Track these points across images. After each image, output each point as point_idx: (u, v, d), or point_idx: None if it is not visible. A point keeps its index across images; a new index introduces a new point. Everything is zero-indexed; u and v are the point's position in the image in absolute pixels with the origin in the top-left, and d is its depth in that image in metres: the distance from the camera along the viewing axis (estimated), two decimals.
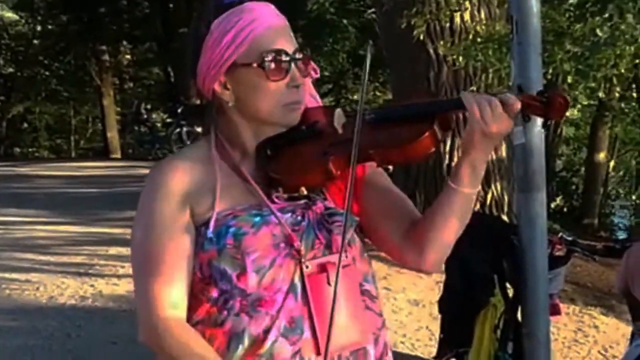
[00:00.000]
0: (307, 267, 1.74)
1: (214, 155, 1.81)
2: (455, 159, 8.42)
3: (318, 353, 1.71)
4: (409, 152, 1.75)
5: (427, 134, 1.72)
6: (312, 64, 1.84)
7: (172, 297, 1.73)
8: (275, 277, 1.72)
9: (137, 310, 1.78)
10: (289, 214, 1.76)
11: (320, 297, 1.73)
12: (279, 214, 1.75)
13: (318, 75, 1.86)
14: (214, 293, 1.74)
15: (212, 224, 1.73)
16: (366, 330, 1.80)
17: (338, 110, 1.80)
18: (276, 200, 1.77)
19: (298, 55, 1.79)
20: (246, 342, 1.70)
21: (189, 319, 1.76)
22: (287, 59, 1.77)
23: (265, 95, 1.76)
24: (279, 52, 1.76)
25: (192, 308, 1.76)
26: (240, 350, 1.71)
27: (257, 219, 1.73)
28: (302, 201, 1.79)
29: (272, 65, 1.75)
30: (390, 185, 1.94)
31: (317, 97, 1.92)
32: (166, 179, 1.78)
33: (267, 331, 1.70)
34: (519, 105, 1.71)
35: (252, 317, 1.71)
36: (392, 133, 1.76)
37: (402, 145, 1.74)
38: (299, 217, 1.76)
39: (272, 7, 1.81)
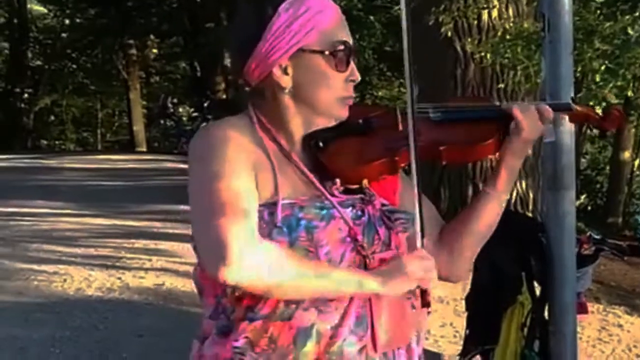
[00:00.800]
0: (370, 261, 1.74)
1: (262, 136, 1.78)
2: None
3: (375, 350, 1.73)
4: (477, 152, 1.83)
5: (497, 136, 1.80)
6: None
7: (247, 224, 1.63)
8: None
9: (210, 253, 1.63)
10: (349, 208, 1.75)
11: (379, 294, 1.73)
12: (341, 208, 1.73)
13: (359, 79, 1.86)
14: None
15: (279, 212, 1.68)
16: (411, 329, 1.81)
17: (398, 108, 1.83)
18: (335, 192, 1.76)
19: (355, 49, 1.82)
20: (314, 336, 1.68)
21: (249, 314, 1.70)
22: (351, 50, 1.78)
23: (327, 84, 1.77)
24: (345, 43, 1.77)
25: (252, 301, 1.69)
26: (309, 345, 1.68)
27: (324, 212, 1.71)
28: (358, 195, 1.78)
29: (341, 55, 1.76)
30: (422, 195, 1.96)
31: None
32: (225, 137, 1.72)
33: (337, 327, 1.69)
34: (551, 114, 1.84)
35: (321, 311, 1.68)
36: (461, 132, 1.81)
37: (472, 145, 1.81)
38: (359, 212, 1.76)
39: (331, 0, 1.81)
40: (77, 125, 27.98)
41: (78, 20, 25.91)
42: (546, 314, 3.43)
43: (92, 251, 8.28)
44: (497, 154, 1.86)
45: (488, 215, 1.90)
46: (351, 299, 1.71)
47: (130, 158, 18.08)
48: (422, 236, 1.74)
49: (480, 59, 7.63)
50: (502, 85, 8.34)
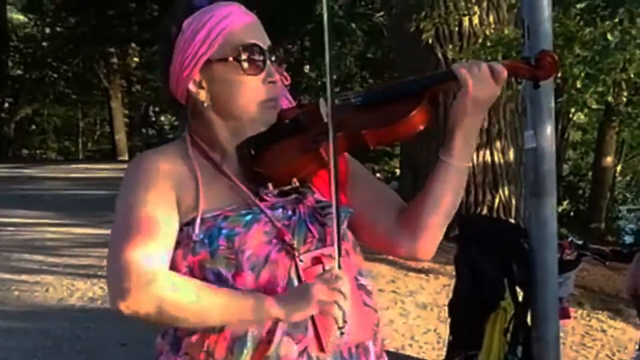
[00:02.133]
0: (301, 261, 1.69)
1: (192, 155, 1.76)
2: None
3: (322, 350, 1.68)
4: (399, 130, 1.73)
5: (416, 110, 1.71)
6: (284, 72, 1.82)
7: (152, 251, 1.61)
8: (271, 274, 1.67)
9: (112, 280, 1.62)
10: (280, 210, 1.72)
11: None
12: (269, 211, 1.71)
13: (289, 82, 1.84)
14: None
15: (197, 224, 1.67)
16: (366, 326, 1.76)
17: (321, 100, 1.76)
18: (266, 197, 1.73)
19: (271, 49, 1.77)
20: (249, 344, 1.65)
21: (188, 331, 1.69)
22: (262, 51, 1.74)
23: (242, 90, 1.73)
24: (254, 46, 1.73)
25: None
26: (245, 353, 1.65)
27: (248, 217, 1.69)
28: (293, 196, 1.75)
29: (248, 58, 1.72)
30: (372, 177, 1.93)
31: (291, 98, 1.89)
32: (150, 168, 1.72)
33: (271, 332, 1.65)
34: (505, 73, 1.73)
35: None
36: (381, 113, 1.74)
37: (393, 124, 1.72)
38: (290, 212, 1.73)
39: (241, 5, 1.79)
40: (59, 135, 27.86)
41: (59, 29, 25.81)
42: (529, 319, 3.45)
43: (74, 261, 8.23)
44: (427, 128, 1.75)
45: (446, 187, 1.78)
46: None
47: (112, 167, 18.00)
48: (339, 255, 1.67)
49: None
50: None
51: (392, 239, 1.85)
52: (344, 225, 1.76)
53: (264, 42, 1.76)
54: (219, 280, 1.66)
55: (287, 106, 1.84)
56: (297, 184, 1.75)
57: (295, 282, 1.68)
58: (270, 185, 1.74)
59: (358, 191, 1.83)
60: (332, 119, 1.67)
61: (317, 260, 1.71)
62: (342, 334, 1.67)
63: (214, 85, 1.74)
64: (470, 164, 1.81)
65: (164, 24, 1.80)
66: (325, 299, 1.62)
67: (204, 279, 1.66)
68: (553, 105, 3.17)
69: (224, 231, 1.67)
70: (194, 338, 1.68)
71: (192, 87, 1.74)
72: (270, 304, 1.62)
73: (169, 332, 1.75)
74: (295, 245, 1.70)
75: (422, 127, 1.73)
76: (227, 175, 1.75)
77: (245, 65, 1.72)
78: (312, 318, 1.68)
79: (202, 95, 1.74)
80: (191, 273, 1.67)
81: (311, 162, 1.73)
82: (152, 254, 1.61)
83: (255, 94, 1.74)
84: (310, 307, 1.62)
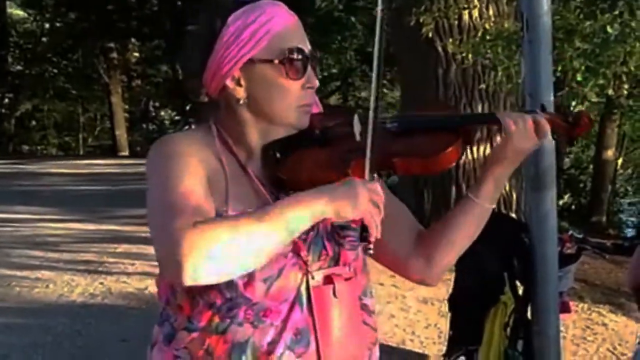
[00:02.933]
0: (312, 277, 1.70)
1: (220, 149, 1.75)
2: (465, 159, 8.42)
3: None
4: (432, 164, 1.74)
5: (452, 147, 1.73)
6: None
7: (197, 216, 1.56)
8: (281, 287, 1.67)
9: (166, 256, 1.54)
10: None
11: (324, 309, 1.70)
12: None
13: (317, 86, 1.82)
14: (218, 300, 1.66)
15: None
16: (362, 345, 1.78)
17: (356, 117, 1.77)
18: None
19: (313, 54, 1.76)
20: (249, 352, 1.65)
21: (187, 324, 1.70)
22: (305, 57, 1.74)
23: (282, 94, 1.72)
24: (300, 50, 1.73)
25: (193, 314, 1.69)
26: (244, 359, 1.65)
27: None
28: None
29: (293, 63, 1.71)
30: (393, 197, 1.91)
31: (318, 101, 1.88)
32: (181, 149, 1.69)
33: (273, 343, 1.66)
34: (548, 127, 1.77)
35: (256, 327, 1.66)
36: (416, 143, 1.75)
37: (427, 157, 1.73)
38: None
39: (285, 6, 1.77)
40: (59, 130, 27.84)
41: (58, 24, 25.77)
42: (529, 313, 3.43)
43: (74, 256, 8.24)
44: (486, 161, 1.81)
45: (469, 224, 1.84)
46: (288, 315, 1.67)
47: (112, 163, 18.03)
48: (371, 170, 1.66)
49: (462, 59, 7.64)
50: (483, 86, 8.35)
51: (406, 264, 1.88)
52: (358, 249, 1.76)
53: (306, 46, 1.75)
54: (230, 286, 1.64)
55: (315, 110, 1.83)
56: None
57: (304, 298, 1.69)
58: (290, 193, 1.72)
59: None
60: (370, 141, 1.66)
61: (328, 279, 1.72)
62: (369, 250, 1.66)
63: (253, 85, 1.72)
64: (494, 206, 1.85)
65: (206, 15, 1.78)
66: (367, 208, 1.60)
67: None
68: (552, 99, 3.15)
69: None
70: (195, 335, 1.69)
71: (229, 83, 1.73)
72: (318, 202, 1.58)
73: (167, 321, 1.74)
74: (309, 262, 1.70)
75: (454, 164, 1.77)
76: (250, 176, 1.74)
77: (289, 69, 1.71)
78: (316, 331, 1.68)
79: (239, 92, 1.73)
80: None
81: (337, 179, 1.69)
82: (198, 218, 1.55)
83: (293, 98, 1.74)
84: (358, 209, 1.60)
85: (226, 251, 1.51)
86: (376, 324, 1.85)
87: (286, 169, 1.74)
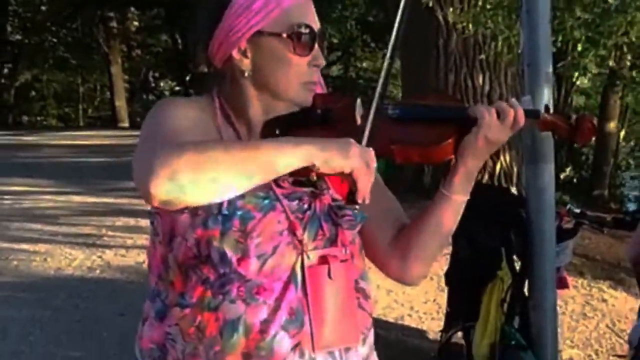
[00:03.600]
0: (308, 257, 1.68)
1: (220, 121, 1.74)
2: None
3: (313, 348, 1.67)
4: (431, 154, 1.72)
5: (451, 139, 1.70)
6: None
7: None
8: (275, 265, 1.65)
9: (140, 171, 1.51)
10: (296, 201, 1.69)
11: (318, 290, 1.68)
12: (285, 201, 1.68)
13: (324, 64, 1.79)
14: (211, 275, 1.64)
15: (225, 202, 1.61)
16: (357, 329, 1.76)
17: (358, 101, 1.73)
18: (282, 184, 1.69)
19: (321, 33, 1.74)
20: (241, 329, 1.63)
21: (179, 300, 1.67)
22: (314, 34, 1.71)
23: (288, 68, 1.71)
24: (308, 26, 1.71)
25: (185, 290, 1.67)
26: (236, 337, 1.63)
27: (266, 201, 1.66)
28: (309, 189, 1.72)
29: (301, 38, 1.70)
30: (385, 189, 1.89)
31: (323, 83, 1.85)
32: (179, 110, 1.69)
33: (266, 322, 1.64)
34: (523, 119, 1.71)
35: (249, 304, 1.63)
36: (417, 132, 1.72)
37: (426, 147, 1.71)
38: (305, 206, 1.70)
39: None
40: (59, 101, 27.81)
41: None
42: (526, 289, 3.40)
43: (73, 229, 8.23)
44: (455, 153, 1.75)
45: (442, 218, 1.78)
46: (282, 293, 1.64)
47: (112, 134, 18.00)
48: (369, 135, 1.64)
49: (462, 29, 7.56)
50: (483, 56, 8.28)
51: (383, 258, 1.84)
52: (356, 230, 1.74)
53: (316, 24, 1.73)
54: (223, 261, 1.63)
55: (320, 91, 1.81)
56: (315, 178, 1.68)
57: (299, 278, 1.66)
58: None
59: (370, 200, 1.74)
60: (369, 131, 1.65)
61: (323, 260, 1.69)
62: (355, 210, 1.67)
63: (260, 57, 1.71)
64: (468, 196, 1.79)
65: None
66: (358, 164, 1.58)
67: (208, 256, 1.63)
68: (551, 69, 3.10)
69: (239, 212, 1.63)
70: (187, 311, 1.66)
71: (235, 53, 1.71)
72: (310, 147, 1.56)
73: (159, 297, 1.72)
74: (305, 241, 1.67)
75: (452, 156, 1.73)
76: None
77: (297, 44, 1.69)
78: (309, 312, 1.66)
79: (245, 64, 1.71)
80: (197, 248, 1.64)
81: None
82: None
83: (299, 74, 1.71)
84: (346, 160, 1.57)
85: (206, 164, 1.48)
86: (372, 309, 1.82)
87: None
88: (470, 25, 6.87)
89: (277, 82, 1.71)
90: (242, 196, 1.61)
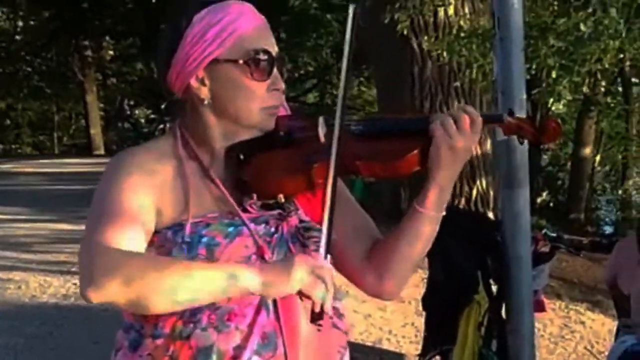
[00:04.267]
0: None
1: (182, 154, 1.74)
2: None
3: None
4: (395, 168, 1.71)
5: (415, 151, 1.69)
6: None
7: (122, 234, 1.59)
8: None
9: (81, 266, 1.59)
10: (262, 225, 1.70)
11: (290, 312, 1.68)
12: (252, 225, 1.68)
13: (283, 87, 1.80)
14: None
15: (187, 229, 1.65)
16: (332, 348, 1.76)
17: (321, 119, 1.75)
18: (249, 208, 1.70)
19: (280, 57, 1.75)
20: (214, 357, 1.63)
21: (153, 331, 1.67)
22: (271, 59, 1.72)
23: (246, 94, 1.71)
24: (265, 52, 1.71)
25: (156, 319, 1.66)
26: None
27: (231, 229, 1.66)
28: (276, 211, 1.72)
29: (258, 63, 1.70)
30: (355, 204, 1.89)
31: (286, 105, 1.86)
32: (131, 161, 1.71)
33: (239, 348, 1.63)
34: (480, 123, 1.70)
35: (220, 331, 1.63)
36: (380, 147, 1.72)
37: (390, 161, 1.70)
38: (272, 229, 1.70)
39: (253, 7, 1.76)
40: (34, 129, 27.66)
41: (32, 22, 25.62)
42: (503, 313, 3.42)
43: (47, 257, 8.17)
44: (425, 168, 1.74)
45: (416, 234, 1.76)
46: (254, 318, 1.65)
47: (87, 162, 17.89)
48: (328, 245, 1.64)
49: (437, 56, 7.62)
50: (458, 84, 8.34)
51: (359, 275, 1.84)
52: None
53: (273, 48, 1.74)
54: None
55: (282, 113, 1.81)
56: (283, 199, 1.72)
57: (270, 303, 1.66)
58: (254, 196, 1.71)
59: (338, 217, 1.73)
60: (336, 147, 1.65)
61: None
62: (319, 325, 1.65)
63: (217, 85, 1.71)
64: (444, 212, 1.78)
65: (170, 17, 1.77)
66: (308, 281, 1.59)
67: None
68: (525, 96, 3.13)
69: (204, 239, 1.64)
70: (159, 342, 1.66)
71: (193, 82, 1.72)
72: (247, 275, 1.57)
73: (132, 328, 1.72)
74: None
75: (418, 168, 1.72)
76: (213, 180, 1.72)
77: (254, 70, 1.70)
78: (282, 335, 1.66)
79: (203, 92, 1.72)
80: None
81: (301, 181, 1.70)
82: (121, 237, 1.59)
83: (258, 99, 1.72)
84: (289, 284, 1.58)
85: (137, 286, 1.53)
86: (347, 328, 1.82)
87: (249, 171, 1.72)
88: (445, 53, 6.93)
89: (236, 108, 1.72)
90: (208, 224, 1.65)
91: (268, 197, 1.71)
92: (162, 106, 15.98)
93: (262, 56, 1.70)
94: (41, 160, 19.46)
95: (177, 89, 1.75)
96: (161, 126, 15.31)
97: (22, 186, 14.02)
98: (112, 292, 1.52)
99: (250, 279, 1.57)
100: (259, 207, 1.71)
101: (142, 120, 20.45)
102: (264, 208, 1.71)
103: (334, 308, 1.76)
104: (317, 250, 1.68)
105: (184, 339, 1.64)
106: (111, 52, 26.79)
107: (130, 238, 1.60)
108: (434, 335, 3.95)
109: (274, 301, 1.66)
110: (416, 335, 5.80)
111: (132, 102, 23.84)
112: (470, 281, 3.64)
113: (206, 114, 1.74)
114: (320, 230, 1.67)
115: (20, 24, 26.26)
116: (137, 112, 22.15)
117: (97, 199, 1.67)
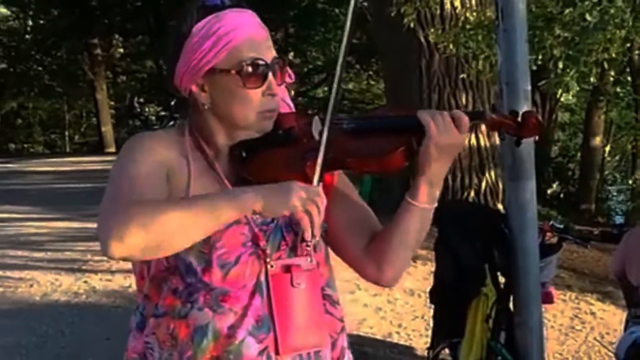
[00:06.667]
0: (271, 266, 1.77)
1: (188, 145, 1.83)
2: None
3: (278, 352, 1.76)
4: (384, 164, 1.78)
5: (402, 147, 1.75)
6: (289, 70, 1.86)
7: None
8: (240, 274, 1.74)
9: (99, 229, 1.60)
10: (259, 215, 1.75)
11: (282, 297, 1.77)
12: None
13: (292, 80, 1.88)
14: (179, 285, 1.75)
15: None
16: (324, 333, 1.84)
17: (316, 118, 1.83)
18: None
19: (275, 62, 1.81)
20: (210, 335, 1.73)
21: (154, 310, 1.78)
22: (264, 67, 1.78)
23: (241, 101, 1.79)
24: (257, 60, 1.78)
25: (157, 299, 1.78)
26: (205, 342, 1.73)
27: None
28: None
29: (250, 73, 1.77)
30: (357, 198, 1.97)
31: (291, 103, 1.94)
32: (145, 144, 1.79)
33: (233, 328, 1.73)
34: (467, 121, 1.76)
35: (215, 311, 1.73)
36: (370, 143, 1.78)
37: (378, 157, 1.77)
38: (269, 219, 1.77)
39: (255, 16, 1.83)
40: (45, 128, 27.79)
41: (41, 22, 25.69)
42: (511, 305, 3.41)
43: (58, 255, 8.20)
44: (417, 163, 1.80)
45: (408, 226, 1.84)
46: (249, 301, 1.74)
47: (99, 159, 17.94)
48: (321, 172, 1.71)
49: (444, 48, 7.61)
50: (464, 75, 8.33)
51: (359, 264, 1.92)
52: (318, 238, 1.79)
53: (269, 55, 1.80)
54: (189, 272, 1.74)
55: (285, 111, 1.89)
56: None
57: (264, 286, 1.76)
58: None
59: (337, 209, 1.87)
60: (324, 140, 1.72)
61: (286, 269, 1.79)
62: (307, 246, 1.77)
63: (215, 92, 1.80)
64: (436, 204, 1.84)
65: (175, 21, 1.86)
66: (301, 204, 1.65)
67: (176, 267, 1.75)
68: (529, 87, 3.12)
69: None
70: (161, 320, 1.77)
71: (194, 88, 1.81)
72: (248, 195, 1.64)
73: (138, 309, 1.83)
74: (268, 252, 1.77)
75: (407, 163, 1.77)
76: (217, 173, 1.81)
77: (246, 79, 1.77)
78: (273, 318, 1.75)
79: (204, 97, 1.81)
80: (166, 259, 1.73)
81: (296, 177, 1.74)
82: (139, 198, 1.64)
83: (253, 105, 1.79)
84: (287, 205, 1.64)
85: (153, 226, 1.57)
86: (342, 315, 1.90)
87: (251, 169, 1.81)
88: (452, 45, 6.92)
89: (234, 114, 1.80)
90: None
91: None
92: (172, 103, 15.96)
93: (254, 66, 1.77)
94: (53, 159, 19.53)
95: (183, 90, 1.84)
96: (171, 123, 15.25)
97: (34, 185, 14.08)
98: (132, 241, 1.56)
99: (251, 197, 1.63)
100: None
101: (153, 117, 20.49)
102: None
103: (327, 295, 1.87)
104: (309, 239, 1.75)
105: (182, 317, 1.74)
106: (121, 50, 26.85)
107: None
108: (442, 328, 3.95)
109: (268, 286, 1.75)
110: (426, 329, 5.79)
111: (142, 100, 23.89)
112: (478, 274, 3.64)
113: (208, 117, 1.82)
114: None
115: (30, 23, 26.34)
116: (147, 109, 22.19)
117: (113, 174, 1.73)
